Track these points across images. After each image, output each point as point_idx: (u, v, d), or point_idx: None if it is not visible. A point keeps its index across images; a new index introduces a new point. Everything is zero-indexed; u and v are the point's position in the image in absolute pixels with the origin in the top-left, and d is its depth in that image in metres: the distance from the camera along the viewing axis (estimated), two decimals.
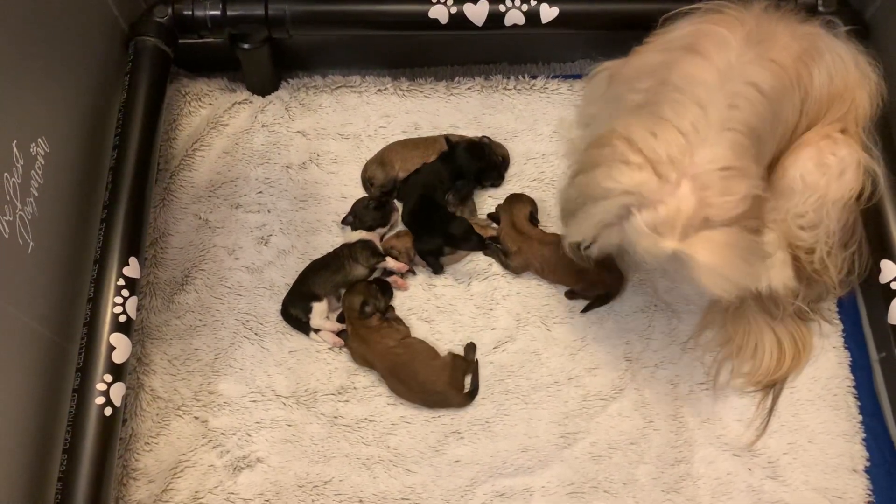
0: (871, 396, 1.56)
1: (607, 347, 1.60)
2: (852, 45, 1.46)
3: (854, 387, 1.57)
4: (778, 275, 1.48)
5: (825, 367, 1.58)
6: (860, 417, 1.54)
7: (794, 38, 1.37)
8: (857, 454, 1.51)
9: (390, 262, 1.61)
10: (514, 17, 1.64)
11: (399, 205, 1.71)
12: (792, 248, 1.49)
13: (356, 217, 1.66)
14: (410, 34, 1.73)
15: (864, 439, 1.53)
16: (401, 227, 1.70)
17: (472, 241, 1.63)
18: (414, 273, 1.66)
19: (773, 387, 1.55)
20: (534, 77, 1.86)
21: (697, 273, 1.19)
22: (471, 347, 1.59)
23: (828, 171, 1.42)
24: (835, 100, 1.43)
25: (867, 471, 1.50)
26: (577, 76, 1.86)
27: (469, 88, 1.85)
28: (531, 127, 1.80)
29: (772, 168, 1.44)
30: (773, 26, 1.37)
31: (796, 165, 1.43)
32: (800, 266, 1.51)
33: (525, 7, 1.63)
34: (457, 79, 1.86)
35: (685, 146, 1.20)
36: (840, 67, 1.41)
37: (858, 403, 1.55)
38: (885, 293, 1.45)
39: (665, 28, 1.48)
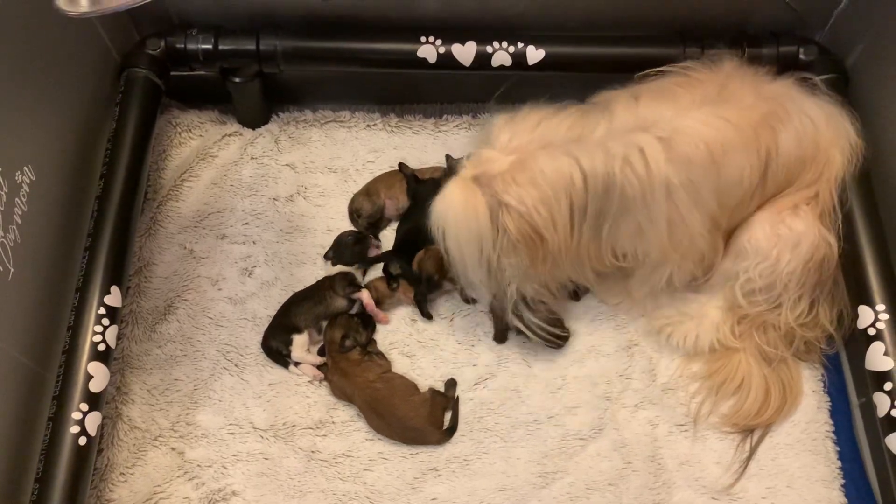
0: (850, 442, 1.56)
1: (588, 387, 1.60)
2: (827, 102, 1.47)
3: (833, 432, 1.56)
4: (705, 332, 1.57)
5: (805, 412, 1.58)
6: (839, 463, 1.53)
7: (758, 99, 1.38)
8: (836, 500, 1.50)
9: (364, 296, 1.62)
10: (501, 59, 1.67)
11: (379, 241, 1.73)
12: (744, 309, 1.53)
13: (335, 253, 1.67)
14: (400, 72, 1.75)
15: (842, 485, 1.52)
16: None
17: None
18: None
19: (751, 432, 1.54)
20: None
21: (437, 201, 1.35)
22: (451, 384, 1.59)
23: (779, 242, 1.45)
24: (806, 163, 1.43)
25: None
26: None
27: (457, 126, 1.87)
28: None
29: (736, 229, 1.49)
30: (737, 88, 1.39)
31: (750, 230, 1.46)
32: (774, 329, 1.55)
33: (512, 49, 1.66)
34: (445, 116, 1.89)
35: (537, 137, 1.33)
36: (810, 130, 1.41)
37: (837, 449, 1.55)
38: (864, 338, 1.45)
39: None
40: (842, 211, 1.48)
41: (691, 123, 1.34)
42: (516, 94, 1.88)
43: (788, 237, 1.45)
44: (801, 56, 1.68)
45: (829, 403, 1.59)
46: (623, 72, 1.59)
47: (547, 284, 1.47)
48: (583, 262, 1.42)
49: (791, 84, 1.47)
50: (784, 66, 1.68)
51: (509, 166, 1.32)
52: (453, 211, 1.34)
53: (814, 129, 1.42)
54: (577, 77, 1.73)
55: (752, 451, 1.54)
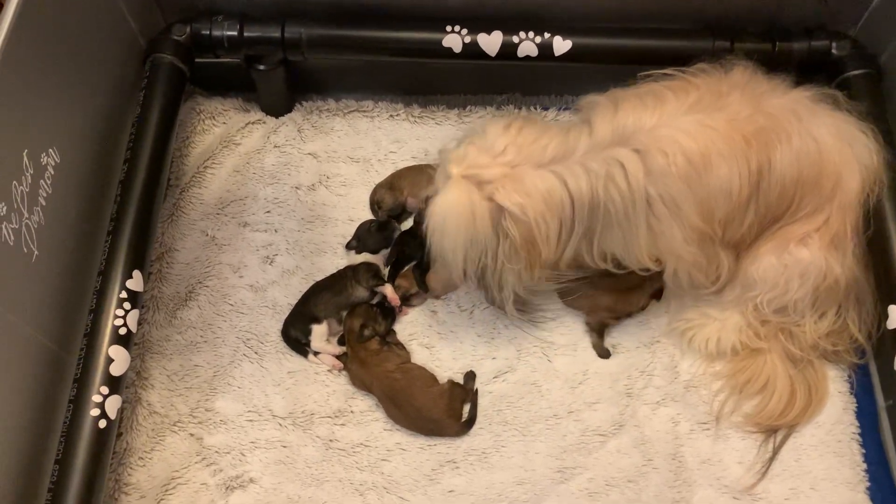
0: (876, 444, 1.53)
1: (608, 382, 1.58)
2: (845, 121, 1.41)
3: (859, 434, 1.54)
4: (728, 335, 1.56)
5: (830, 413, 1.55)
6: (864, 465, 1.51)
7: (757, 113, 1.34)
8: (861, 503, 1.48)
9: (388, 290, 1.60)
10: (527, 49, 1.65)
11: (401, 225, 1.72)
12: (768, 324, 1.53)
13: (360, 241, 1.66)
14: (424, 62, 1.74)
15: (867, 488, 1.49)
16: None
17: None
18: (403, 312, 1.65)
19: (774, 432, 1.52)
20: (546, 108, 1.87)
21: (435, 206, 1.32)
22: (470, 376, 1.58)
23: (786, 272, 1.43)
24: (806, 187, 1.38)
25: None
26: None
27: (480, 117, 1.86)
28: None
29: (746, 251, 1.47)
30: (737, 98, 1.35)
31: (758, 260, 1.45)
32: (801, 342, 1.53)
33: (538, 39, 1.64)
34: (469, 107, 1.87)
35: (529, 156, 1.32)
36: (812, 152, 1.36)
37: (863, 451, 1.52)
38: (892, 339, 1.42)
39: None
40: (860, 236, 1.45)
41: (671, 133, 1.31)
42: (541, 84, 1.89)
43: (795, 267, 1.43)
44: (834, 51, 1.65)
45: (856, 405, 1.56)
46: (651, 64, 1.57)
47: (537, 284, 1.47)
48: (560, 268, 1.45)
49: (802, 99, 1.41)
50: (815, 62, 1.65)
51: (502, 176, 1.30)
52: (454, 213, 1.32)
53: (817, 151, 1.36)
54: (603, 68, 1.72)
55: (776, 451, 1.51)
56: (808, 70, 1.62)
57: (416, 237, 1.65)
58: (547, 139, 1.34)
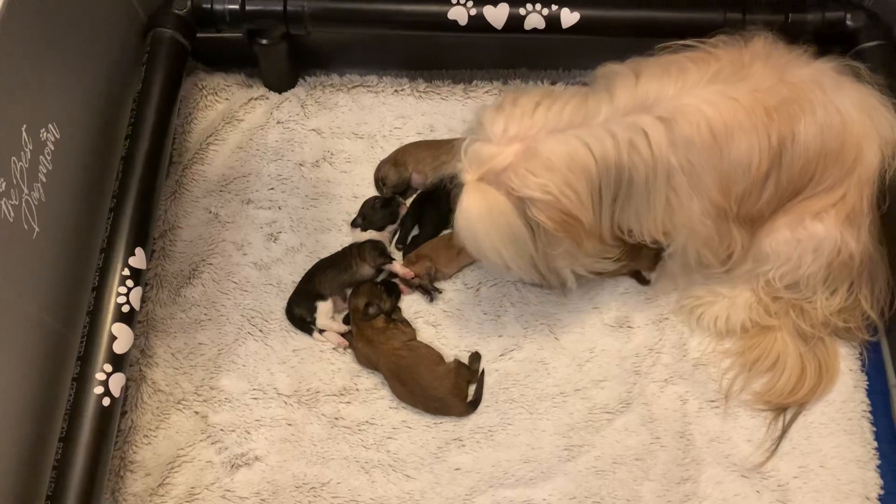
0: (887, 422, 1.51)
1: (616, 360, 1.56)
2: (867, 93, 1.38)
3: (870, 411, 1.52)
4: (737, 312, 1.53)
5: (841, 391, 1.53)
6: (875, 443, 1.49)
7: (780, 83, 1.31)
8: (871, 481, 1.46)
9: (396, 267, 1.59)
10: (534, 21, 1.62)
11: (405, 201, 1.71)
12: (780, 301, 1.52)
13: (365, 218, 1.65)
14: (429, 35, 1.71)
15: (878, 466, 1.48)
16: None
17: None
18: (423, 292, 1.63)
19: (784, 410, 1.51)
20: (553, 83, 1.83)
21: (458, 214, 1.29)
22: (475, 357, 1.56)
23: (799, 246, 1.41)
24: (828, 160, 1.35)
25: (880, 499, 1.45)
26: None
27: (486, 92, 1.83)
28: None
29: (760, 225, 1.44)
30: (760, 69, 1.32)
31: (771, 234, 1.43)
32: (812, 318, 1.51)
33: (546, 11, 1.61)
34: (475, 82, 1.85)
35: (542, 124, 1.27)
36: (836, 124, 1.33)
37: (874, 429, 1.50)
38: None
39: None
40: (875, 211, 1.41)
41: (694, 102, 1.29)
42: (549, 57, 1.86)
43: (808, 241, 1.40)
44: (849, 22, 1.62)
45: (867, 382, 1.54)
46: (661, 37, 1.54)
47: (600, 255, 1.44)
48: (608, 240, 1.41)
49: (826, 70, 1.38)
50: (829, 33, 1.62)
51: (515, 157, 1.26)
52: (480, 222, 1.29)
53: (841, 123, 1.33)
54: (612, 41, 1.68)
55: (785, 429, 1.50)
56: (823, 42, 1.58)
57: (437, 210, 1.64)
58: (561, 104, 1.30)
